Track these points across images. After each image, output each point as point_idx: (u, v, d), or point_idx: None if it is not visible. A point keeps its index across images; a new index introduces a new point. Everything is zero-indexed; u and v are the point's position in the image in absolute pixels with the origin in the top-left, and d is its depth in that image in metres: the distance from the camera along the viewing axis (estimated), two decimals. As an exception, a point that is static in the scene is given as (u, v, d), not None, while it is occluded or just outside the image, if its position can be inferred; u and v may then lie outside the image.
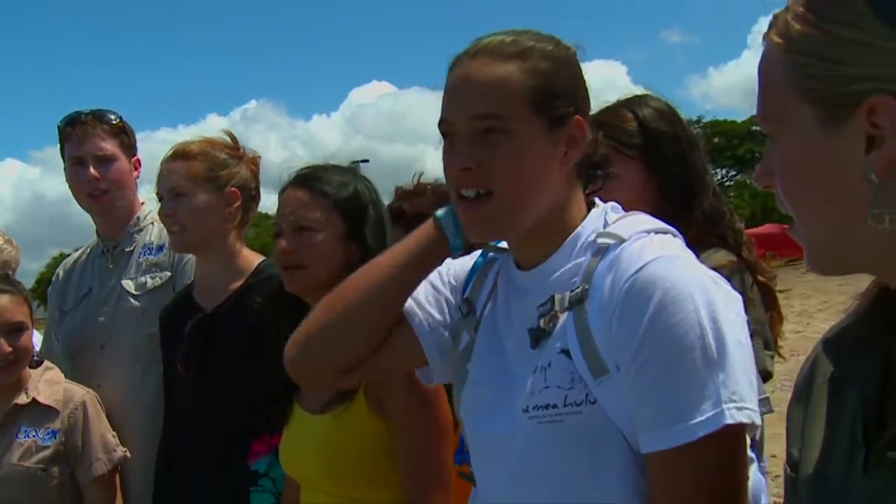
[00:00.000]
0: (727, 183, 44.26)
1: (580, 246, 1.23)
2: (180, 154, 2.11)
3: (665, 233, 1.23)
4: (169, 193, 2.08)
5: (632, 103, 1.94)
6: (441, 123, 1.23)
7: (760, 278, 1.90)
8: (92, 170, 2.37)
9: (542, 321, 1.20)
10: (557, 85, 1.21)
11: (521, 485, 1.20)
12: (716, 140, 43.12)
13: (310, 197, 1.79)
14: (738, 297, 1.17)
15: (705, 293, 1.10)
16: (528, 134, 1.19)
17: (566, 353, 1.16)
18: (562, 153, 1.21)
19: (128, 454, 2.27)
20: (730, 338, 1.09)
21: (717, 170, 43.32)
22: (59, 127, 2.44)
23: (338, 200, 1.79)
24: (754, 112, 0.83)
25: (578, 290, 1.17)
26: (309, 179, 1.82)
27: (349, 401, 1.70)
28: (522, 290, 1.27)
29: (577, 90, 1.24)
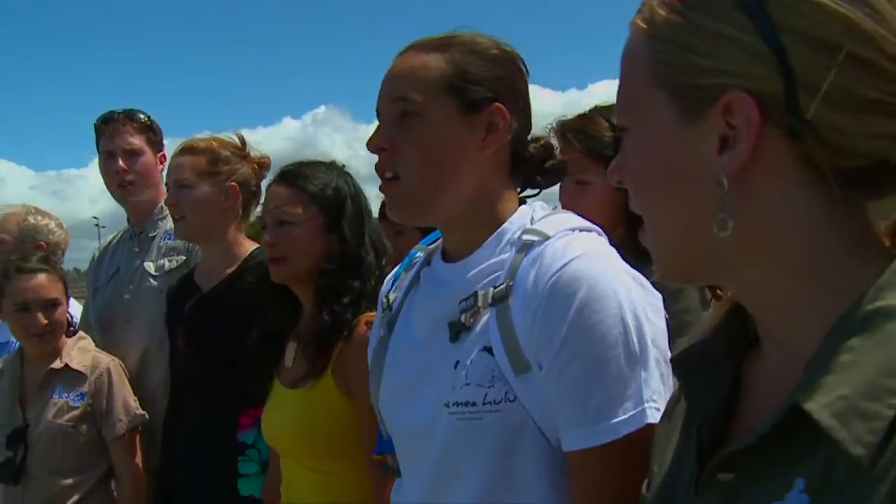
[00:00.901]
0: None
1: (505, 242, 1.21)
2: (187, 149, 2.27)
3: (590, 231, 1.22)
4: (174, 185, 2.25)
5: (608, 111, 1.93)
6: (377, 114, 1.25)
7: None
8: (120, 162, 2.60)
9: (463, 316, 1.18)
10: (474, 72, 1.20)
11: (444, 477, 1.19)
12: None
13: (290, 193, 1.89)
14: (658, 295, 1.16)
15: (628, 291, 1.10)
16: (440, 116, 1.19)
17: (488, 350, 1.15)
18: (479, 138, 1.20)
19: (146, 416, 2.47)
20: (649, 336, 1.08)
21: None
22: (95, 124, 2.67)
23: (316, 196, 1.88)
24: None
25: (503, 286, 1.15)
26: (291, 176, 1.92)
27: (319, 377, 1.80)
28: (443, 281, 1.26)
29: (501, 82, 1.22)
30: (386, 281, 1.45)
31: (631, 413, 1.04)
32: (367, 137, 1.24)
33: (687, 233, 0.70)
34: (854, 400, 0.57)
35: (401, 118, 1.20)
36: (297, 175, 1.92)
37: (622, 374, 1.05)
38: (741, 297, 0.73)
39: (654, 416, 1.03)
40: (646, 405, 1.04)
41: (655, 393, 1.06)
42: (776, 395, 0.63)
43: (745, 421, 0.71)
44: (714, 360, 0.75)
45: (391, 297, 1.37)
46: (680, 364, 0.78)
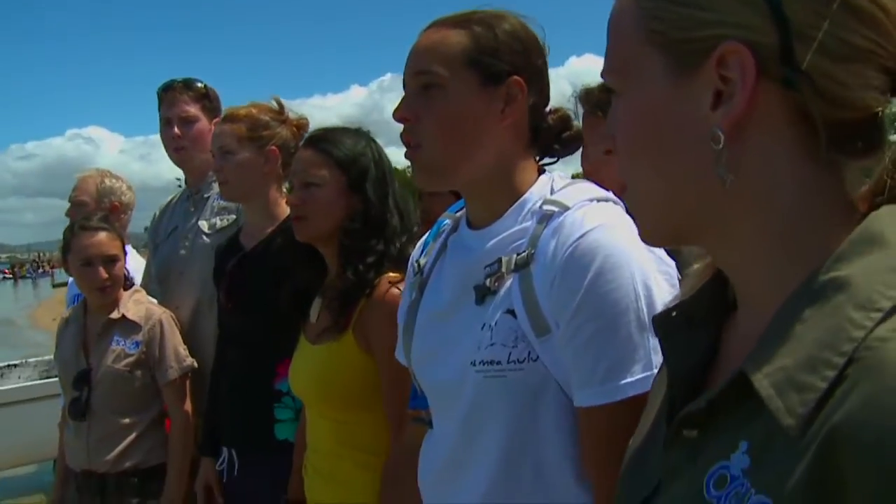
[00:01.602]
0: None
1: (527, 211, 1.26)
2: (228, 117, 2.39)
3: (607, 200, 1.26)
4: (218, 151, 2.37)
5: None
6: (404, 86, 1.31)
7: None
8: (175, 129, 2.76)
9: (488, 280, 1.24)
10: (494, 46, 1.25)
11: (471, 430, 1.26)
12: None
13: (316, 156, 1.96)
14: (672, 263, 1.20)
15: (641, 261, 1.14)
16: (460, 88, 1.24)
17: (511, 312, 1.21)
18: (498, 109, 1.25)
19: (195, 364, 2.65)
20: (660, 305, 1.10)
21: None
22: (157, 92, 2.83)
23: (340, 159, 1.95)
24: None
25: (524, 254, 1.21)
26: (317, 141, 2.00)
27: (341, 335, 1.88)
28: (469, 248, 1.32)
29: (519, 56, 1.27)
30: (416, 247, 1.53)
31: (639, 376, 1.10)
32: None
33: (673, 196, 0.68)
34: (792, 371, 0.57)
35: (424, 90, 1.26)
36: (322, 139, 2.00)
37: (632, 340, 1.11)
38: (718, 259, 0.73)
39: None
40: (654, 370, 1.07)
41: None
42: (741, 359, 0.63)
43: (716, 380, 0.71)
44: (693, 321, 0.75)
45: (421, 261, 1.45)
46: (660, 325, 0.77)
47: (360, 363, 1.86)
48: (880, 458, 0.50)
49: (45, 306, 29.17)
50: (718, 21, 0.62)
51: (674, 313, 0.77)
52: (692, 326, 0.75)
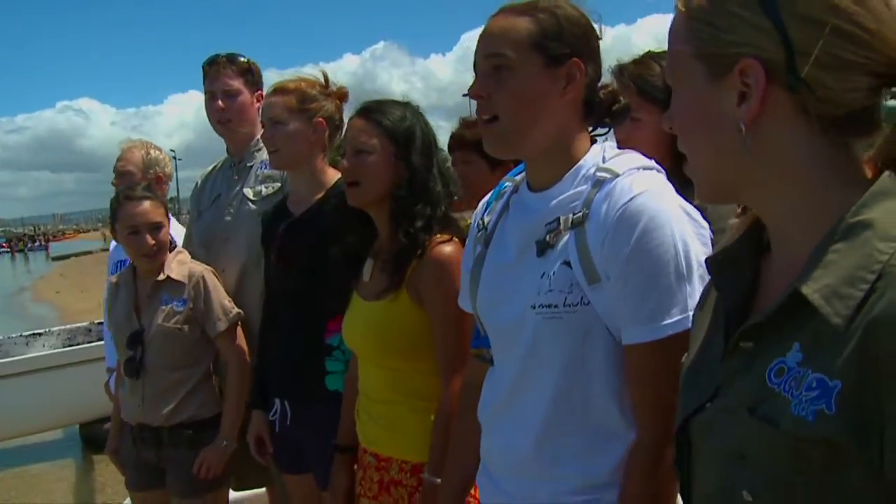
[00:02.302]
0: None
1: (581, 176, 1.43)
2: (279, 90, 2.51)
3: (651, 169, 1.44)
4: (269, 122, 2.49)
5: (660, 56, 2.11)
6: (474, 66, 1.48)
7: None
8: (220, 102, 2.90)
9: (548, 236, 1.41)
10: (556, 32, 1.41)
11: (530, 365, 1.44)
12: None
13: (367, 125, 2.09)
14: (706, 225, 1.39)
15: (680, 222, 1.33)
16: (528, 69, 1.41)
17: (567, 263, 1.38)
18: (560, 87, 1.42)
19: (241, 313, 2.80)
20: (695, 260, 1.31)
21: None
22: (202, 66, 2.96)
23: (389, 129, 2.08)
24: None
25: (580, 214, 1.39)
26: (368, 111, 2.12)
27: (396, 292, 2.03)
28: (531, 208, 1.49)
29: (578, 40, 1.43)
30: (480, 206, 1.68)
31: (677, 318, 1.29)
32: (469, 85, 1.47)
33: (717, 164, 0.91)
34: (835, 286, 0.77)
35: (495, 71, 1.42)
36: (373, 110, 2.12)
37: (671, 288, 1.30)
38: (759, 212, 0.93)
39: None
40: (689, 313, 1.25)
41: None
42: (782, 285, 0.84)
43: (761, 305, 0.91)
44: (738, 260, 0.96)
45: (486, 219, 1.61)
46: (713, 263, 0.98)
47: (414, 317, 2.01)
48: None
49: (46, 279, 29.31)
50: (741, 42, 0.84)
51: (720, 256, 0.98)
52: (737, 265, 0.96)
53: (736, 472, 0.84)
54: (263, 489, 3.20)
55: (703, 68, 0.88)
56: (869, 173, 0.85)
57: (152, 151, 3.39)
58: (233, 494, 3.05)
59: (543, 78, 1.42)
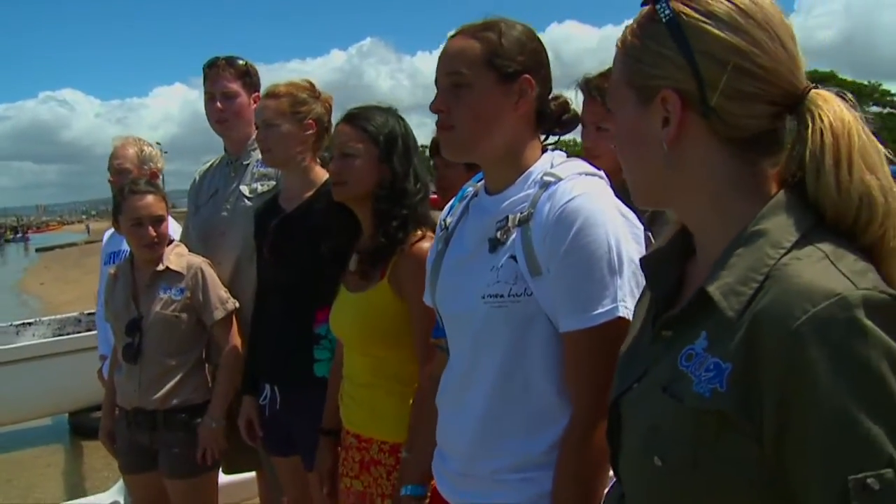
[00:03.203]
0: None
1: (531, 181, 1.56)
2: (271, 93, 2.66)
3: (593, 175, 1.58)
4: (262, 124, 2.64)
5: None
6: (435, 83, 1.62)
7: None
8: (218, 103, 3.04)
9: (499, 233, 1.54)
10: (508, 51, 1.55)
11: (478, 351, 1.57)
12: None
13: (353, 130, 2.24)
14: (640, 226, 1.54)
15: (614, 222, 1.46)
16: (483, 85, 1.54)
17: (513, 258, 1.51)
18: (513, 101, 1.56)
19: (237, 304, 2.95)
20: (626, 257, 1.44)
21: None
22: (203, 67, 3.11)
23: (372, 134, 2.23)
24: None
25: (526, 213, 1.52)
26: (354, 117, 2.27)
27: (377, 284, 2.17)
28: (486, 209, 1.62)
29: (529, 58, 1.57)
30: (445, 208, 1.81)
31: (608, 307, 1.42)
32: (431, 101, 1.62)
33: (646, 176, 1.04)
34: (732, 285, 0.90)
35: (454, 87, 1.56)
36: (359, 116, 2.27)
37: (603, 281, 1.43)
38: (683, 219, 1.07)
39: (624, 312, 1.40)
40: (619, 303, 1.42)
41: (627, 296, 1.43)
42: (700, 283, 0.96)
43: (684, 299, 1.03)
44: (668, 260, 1.10)
45: (448, 220, 1.75)
46: (646, 262, 1.13)
47: (394, 308, 2.15)
48: (778, 324, 0.84)
49: (31, 272, 29.15)
50: (661, 76, 0.97)
51: (652, 256, 1.13)
52: (666, 264, 1.10)
53: (651, 441, 0.96)
54: (253, 473, 3.31)
55: (634, 96, 1.01)
56: (774, 188, 0.97)
57: (146, 148, 3.52)
58: (223, 478, 3.16)
59: (496, 93, 1.55)
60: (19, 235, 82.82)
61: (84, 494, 5.10)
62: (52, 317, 7.55)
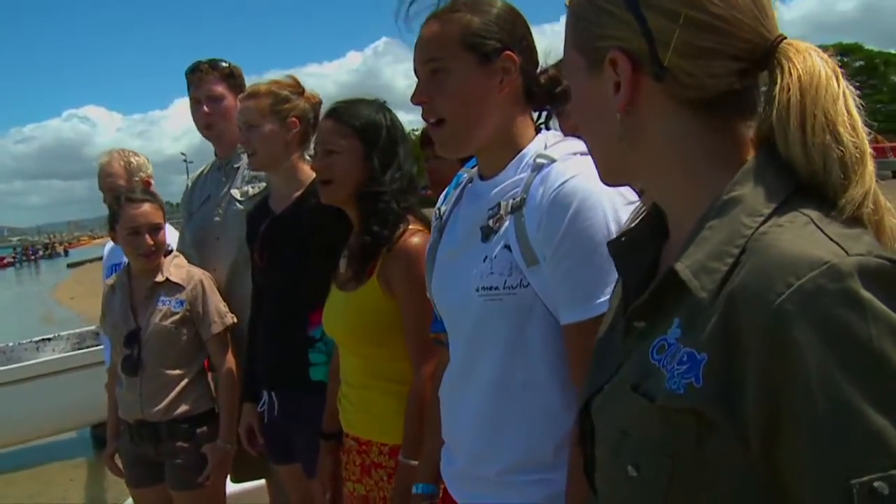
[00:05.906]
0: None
1: (524, 164, 1.47)
2: (252, 94, 2.60)
3: (588, 154, 1.55)
4: (244, 126, 2.58)
5: None
6: (415, 73, 1.53)
7: None
8: (205, 108, 2.99)
9: (490, 221, 1.46)
10: (483, 29, 1.46)
11: (475, 347, 1.49)
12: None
13: (336, 126, 2.17)
14: (637, 199, 1.37)
15: (612, 204, 1.34)
16: (463, 68, 1.46)
17: (507, 247, 1.42)
18: (497, 82, 1.47)
19: (235, 319, 2.91)
20: None
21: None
22: (185, 73, 3.06)
23: (358, 129, 2.16)
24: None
25: (518, 199, 1.43)
26: (337, 112, 2.19)
27: (366, 283, 2.11)
28: (479, 195, 1.55)
29: (507, 33, 1.48)
30: (441, 197, 1.74)
31: (609, 296, 1.29)
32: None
33: (606, 151, 0.93)
34: (704, 261, 0.78)
35: (433, 75, 1.48)
36: (343, 111, 2.20)
37: (604, 268, 1.29)
38: (653, 196, 0.94)
39: None
40: None
41: None
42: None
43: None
44: (639, 242, 0.96)
45: (442, 209, 1.68)
46: (613, 246, 1.00)
47: (384, 306, 2.09)
48: (757, 302, 0.72)
49: (62, 287, 29.59)
50: (609, 35, 0.86)
51: (623, 238, 0.99)
52: (638, 247, 0.96)
53: (623, 447, 0.84)
54: (262, 481, 3.24)
55: (583, 61, 0.90)
56: (752, 154, 0.85)
57: (132, 158, 3.44)
58: (232, 487, 3.12)
59: (479, 75, 1.47)
60: (51, 253, 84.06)
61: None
62: (72, 331, 7.59)
